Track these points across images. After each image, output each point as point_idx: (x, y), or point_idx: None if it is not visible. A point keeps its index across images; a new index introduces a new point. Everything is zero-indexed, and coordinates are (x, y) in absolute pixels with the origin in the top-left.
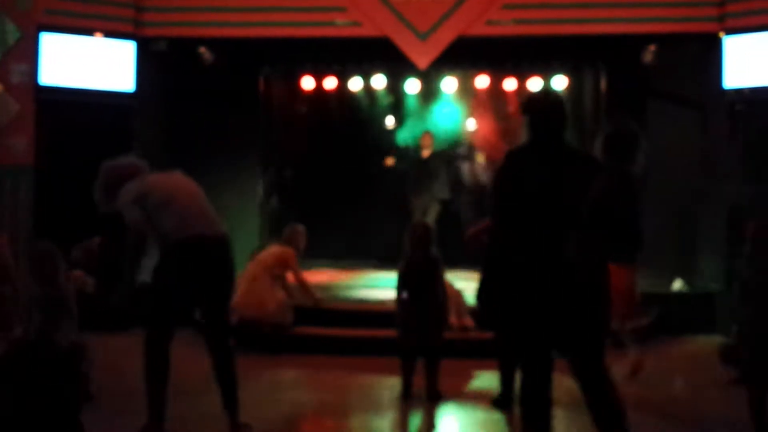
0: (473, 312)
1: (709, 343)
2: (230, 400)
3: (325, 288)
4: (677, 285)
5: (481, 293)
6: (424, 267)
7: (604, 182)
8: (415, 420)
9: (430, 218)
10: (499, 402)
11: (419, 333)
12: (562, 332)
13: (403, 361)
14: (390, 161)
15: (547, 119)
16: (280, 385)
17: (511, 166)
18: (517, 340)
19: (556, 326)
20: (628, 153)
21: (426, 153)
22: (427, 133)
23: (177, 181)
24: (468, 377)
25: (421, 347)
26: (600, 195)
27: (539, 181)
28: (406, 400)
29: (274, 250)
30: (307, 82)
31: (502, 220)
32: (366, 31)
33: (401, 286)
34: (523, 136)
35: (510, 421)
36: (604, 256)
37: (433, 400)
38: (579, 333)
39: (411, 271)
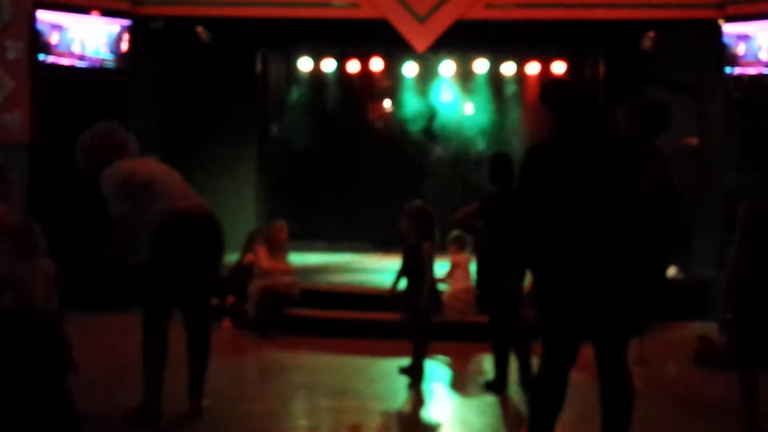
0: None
1: (702, 329)
2: (197, 381)
3: (320, 270)
4: (672, 271)
5: (487, 281)
6: (416, 249)
7: (652, 167)
8: (407, 402)
9: None
10: (493, 386)
11: (417, 310)
12: (603, 319)
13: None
14: None
15: (582, 107)
16: (277, 366)
17: (548, 159)
18: (554, 326)
19: (598, 314)
20: (659, 126)
21: None
22: None
23: (153, 165)
24: (462, 360)
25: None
26: (651, 180)
27: (588, 175)
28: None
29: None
30: (305, 63)
31: (543, 213)
32: (364, 12)
33: (402, 268)
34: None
35: (503, 405)
36: (660, 242)
37: (412, 384)
38: (624, 320)
39: (407, 254)
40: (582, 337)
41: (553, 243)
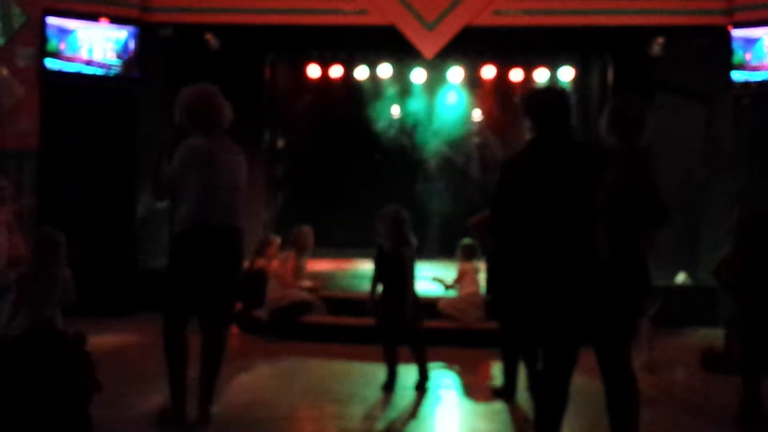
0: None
1: (711, 336)
2: (207, 387)
3: (328, 276)
4: (681, 278)
5: (496, 287)
6: (394, 254)
7: (622, 165)
8: (415, 408)
9: None
10: (502, 392)
11: (396, 319)
12: (592, 323)
13: (384, 348)
14: None
15: (547, 117)
16: (284, 372)
17: (517, 166)
18: (544, 333)
19: (585, 317)
20: (634, 127)
21: None
22: None
23: (225, 161)
24: (471, 366)
25: (402, 334)
26: (620, 178)
27: (547, 181)
28: (388, 389)
29: (283, 260)
30: (313, 70)
31: (514, 219)
32: (373, 19)
33: (376, 274)
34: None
35: (512, 411)
36: (635, 242)
37: (418, 389)
38: (609, 322)
39: (382, 259)
40: (578, 340)
41: (528, 248)
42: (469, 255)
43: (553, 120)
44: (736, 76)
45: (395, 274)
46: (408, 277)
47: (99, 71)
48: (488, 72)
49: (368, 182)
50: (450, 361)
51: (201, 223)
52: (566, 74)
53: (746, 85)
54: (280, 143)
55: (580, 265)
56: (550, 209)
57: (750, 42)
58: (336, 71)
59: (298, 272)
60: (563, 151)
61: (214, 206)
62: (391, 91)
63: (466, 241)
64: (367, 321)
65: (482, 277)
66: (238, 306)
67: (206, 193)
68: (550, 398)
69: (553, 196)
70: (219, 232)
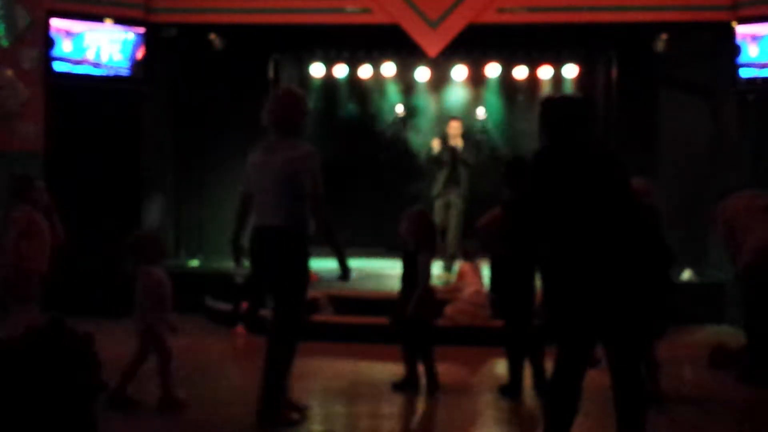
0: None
1: (717, 333)
2: (264, 386)
3: (333, 276)
4: (686, 275)
5: (503, 286)
6: (414, 254)
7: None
8: (422, 407)
9: (454, 217)
10: (507, 390)
11: (404, 317)
12: (609, 322)
13: (402, 348)
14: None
15: (566, 125)
16: (292, 371)
17: (545, 170)
18: (562, 330)
19: (604, 317)
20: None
21: (455, 142)
22: (455, 119)
23: (263, 163)
24: (477, 365)
25: (411, 332)
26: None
27: (577, 184)
28: (402, 389)
29: None
30: (317, 69)
31: (543, 220)
32: (376, 18)
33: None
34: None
35: (517, 410)
36: (654, 246)
37: (430, 390)
38: (625, 323)
39: (406, 259)
40: (592, 339)
41: (556, 246)
42: (469, 254)
43: (575, 130)
44: (742, 72)
45: (412, 273)
46: (420, 281)
47: (104, 72)
48: (492, 70)
49: (372, 181)
50: (455, 360)
51: (254, 227)
52: (570, 71)
53: (752, 81)
54: None
55: (615, 264)
56: (589, 212)
57: (755, 38)
58: (340, 70)
59: None
60: (588, 154)
61: (256, 208)
62: (395, 89)
63: (467, 241)
64: (374, 320)
65: (485, 276)
66: (244, 305)
67: (255, 197)
68: (564, 397)
69: (588, 198)
70: (262, 233)
